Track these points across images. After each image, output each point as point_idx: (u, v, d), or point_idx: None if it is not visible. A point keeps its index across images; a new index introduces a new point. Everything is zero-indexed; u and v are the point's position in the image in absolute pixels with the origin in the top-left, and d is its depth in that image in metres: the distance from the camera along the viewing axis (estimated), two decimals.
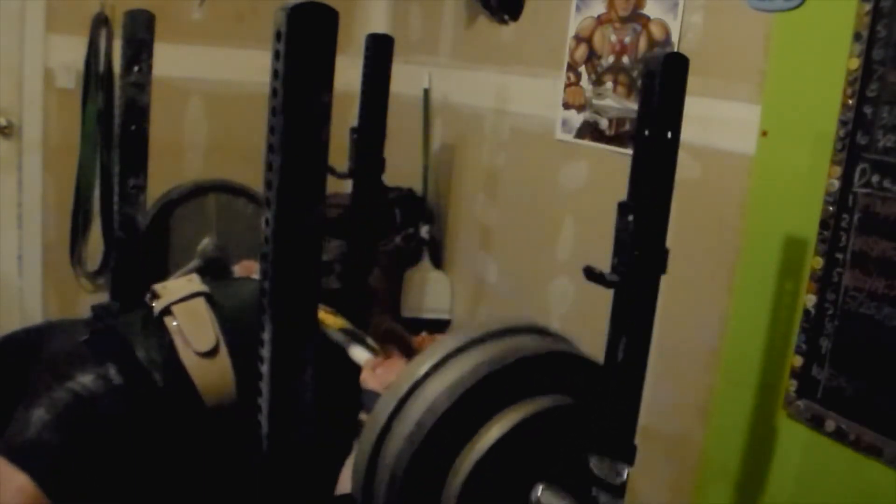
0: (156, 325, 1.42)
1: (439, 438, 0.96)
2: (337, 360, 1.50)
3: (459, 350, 1.01)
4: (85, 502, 1.25)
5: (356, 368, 1.51)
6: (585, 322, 2.26)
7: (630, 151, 1.24)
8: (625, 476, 1.02)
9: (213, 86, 2.95)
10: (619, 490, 1.05)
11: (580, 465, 1.03)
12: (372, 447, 0.99)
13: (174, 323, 1.42)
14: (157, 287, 1.48)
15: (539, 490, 0.99)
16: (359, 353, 1.53)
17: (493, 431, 0.97)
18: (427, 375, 1.00)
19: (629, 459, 1.10)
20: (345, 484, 1.30)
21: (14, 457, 1.23)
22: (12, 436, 1.26)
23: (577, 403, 1.04)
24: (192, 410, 1.37)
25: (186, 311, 1.44)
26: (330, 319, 1.64)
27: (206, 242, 2.10)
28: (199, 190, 2.14)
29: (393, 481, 0.96)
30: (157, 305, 1.44)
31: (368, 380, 1.41)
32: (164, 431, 1.35)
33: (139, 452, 1.31)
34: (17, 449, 1.24)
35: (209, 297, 1.47)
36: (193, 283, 1.50)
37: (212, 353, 1.40)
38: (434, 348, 1.03)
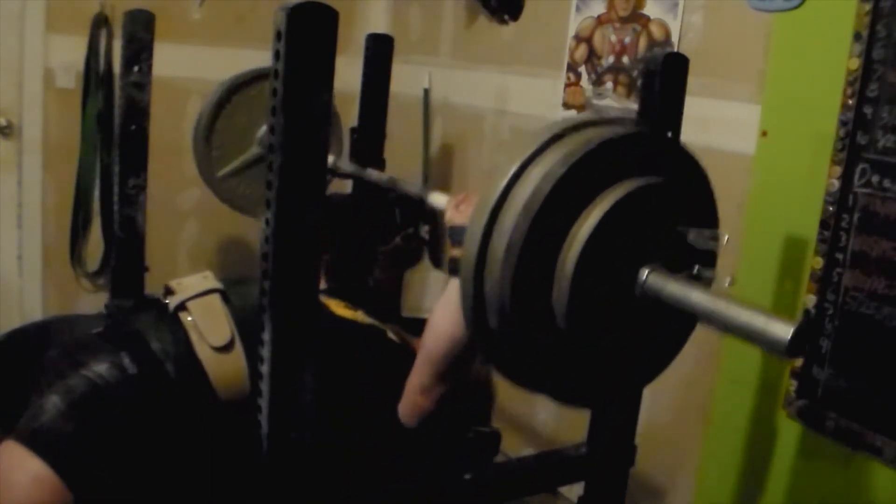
0: (171, 320, 1.43)
1: (535, 245, 0.93)
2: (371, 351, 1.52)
3: (537, 153, 0.98)
4: (100, 489, 1.26)
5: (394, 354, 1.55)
6: None
7: None
8: (724, 241, 1.02)
9: (213, 86, 2.94)
10: (714, 258, 1.05)
11: (680, 242, 1.01)
12: (473, 276, 0.96)
13: (189, 318, 1.43)
14: (172, 283, 1.49)
15: (645, 273, 0.98)
16: (438, 198, 1.58)
17: (588, 222, 0.94)
18: (513, 182, 0.96)
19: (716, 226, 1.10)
20: (443, 321, 1.32)
21: (29, 442, 1.23)
22: (27, 422, 1.27)
23: (669, 181, 1.02)
24: (205, 403, 1.38)
25: (202, 307, 1.45)
26: (349, 313, 1.64)
27: (263, 131, 2.07)
28: (259, 76, 2.12)
29: (503, 302, 0.94)
30: (172, 301, 1.45)
31: (454, 217, 1.46)
32: (178, 423, 1.35)
33: (152, 442, 1.32)
34: (32, 435, 1.25)
35: (224, 294, 1.48)
36: (208, 279, 1.52)
37: (227, 348, 1.41)
38: (522, 146, 1.00)
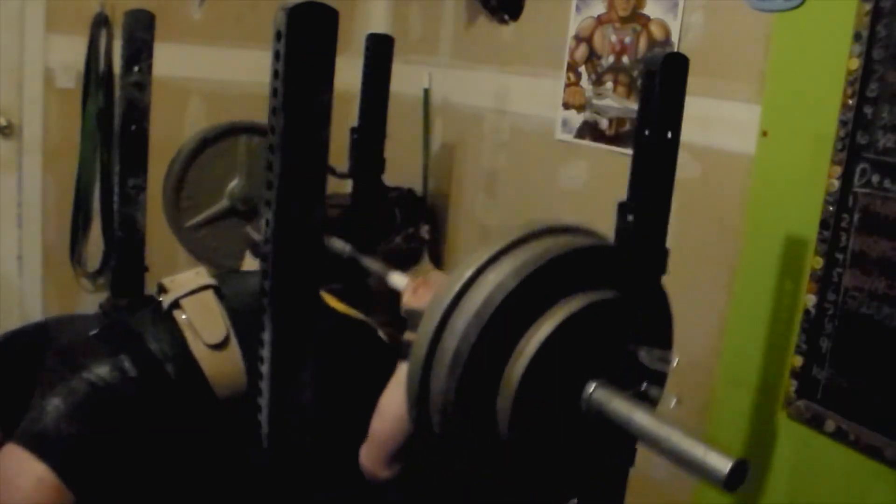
0: (165, 319, 1.43)
1: (486, 348, 0.94)
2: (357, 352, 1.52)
3: (496, 257, 1.00)
4: (101, 492, 1.26)
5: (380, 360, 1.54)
6: None
7: (630, 151, 1.24)
8: (674, 363, 1.02)
9: (213, 86, 2.95)
10: (663, 379, 1.04)
11: (629, 359, 1.02)
12: (422, 366, 0.97)
13: (183, 316, 1.42)
14: (165, 281, 1.49)
15: (591, 387, 0.98)
16: (398, 279, 1.56)
17: (540, 334, 0.95)
18: (468, 285, 0.98)
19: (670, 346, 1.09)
20: (390, 406, 1.32)
21: (31, 445, 1.24)
22: (29, 425, 1.27)
23: (619, 297, 1.03)
24: (204, 402, 1.38)
25: (195, 304, 1.44)
26: (339, 306, 1.64)
27: (234, 184, 2.10)
28: (233, 130, 2.13)
29: (447, 397, 0.95)
30: (166, 299, 1.44)
31: (411, 301, 1.44)
32: (179, 423, 1.35)
33: (153, 443, 1.32)
34: (34, 438, 1.25)
35: (217, 290, 1.48)
36: (201, 276, 1.51)
37: (222, 346, 1.40)
38: (470, 260, 1.01)
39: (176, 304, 1.44)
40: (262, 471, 1.08)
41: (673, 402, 1.00)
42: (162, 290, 1.47)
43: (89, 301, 2.84)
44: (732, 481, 0.84)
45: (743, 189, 1.83)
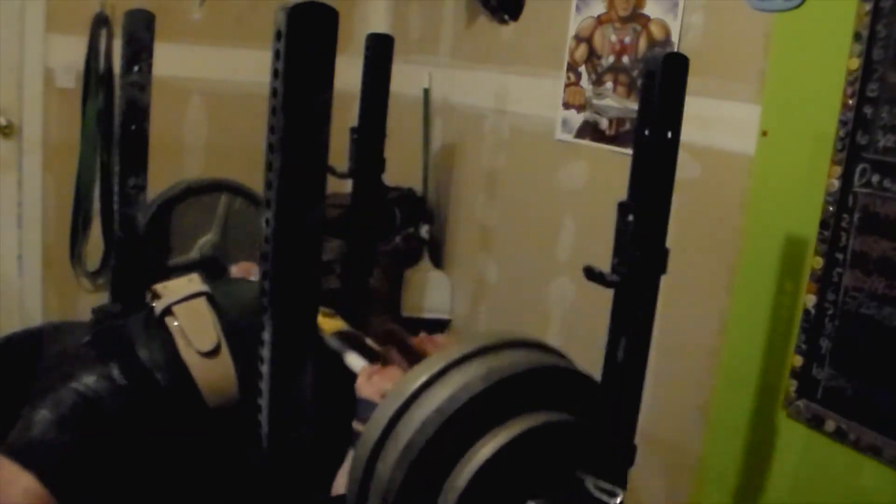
0: (157, 326, 1.42)
1: (433, 454, 0.95)
2: (334, 364, 1.50)
3: (454, 364, 1.01)
4: (89, 501, 1.25)
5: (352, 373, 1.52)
6: (585, 322, 2.26)
7: (630, 151, 1.24)
8: (618, 500, 1.01)
9: (213, 86, 2.95)
10: None
11: (575, 484, 1.02)
12: (366, 462, 0.98)
13: (175, 323, 1.42)
14: (158, 287, 1.48)
15: None
16: (354, 361, 1.51)
17: (488, 447, 0.96)
18: (422, 389, 0.99)
19: (623, 484, 1.10)
20: (339, 489, 1.30)
21: (19, 456, 1.23)
22: (17, 436, 1.26)
23: (574, 421, 1.04)
24: (194, 410, 1.37)
25: (187, 311, 1.43)
26: (328, 323, 1.63)
27: (205, 239, 2.10)
28: (218, 186, 2.14)
29: (387, 496, 0.96)
30: (158, 306, 1.44)
31: (364, 388, 1.40)
32: (168, 431, 1.35)
33: (143, 452, 1.32)
34: (22, 449, 1.24)
35: (210, 297, 1.47)
36: (194, 282, 1.50)
37: (213, 353, 1.39)
38: (429, 362, 1.02)
39: (168, 311, 1.43)
40: (254, 477, 1.08)
41: None
42: (154, 295, 1.47)
43: (89, 301, 2.84)
44: None
45: (743, 189, 1.83)
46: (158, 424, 1.34)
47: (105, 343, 1.41)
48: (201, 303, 1.45)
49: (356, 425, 1.32)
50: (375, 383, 1.39)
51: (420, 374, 1.01)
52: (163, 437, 1.34)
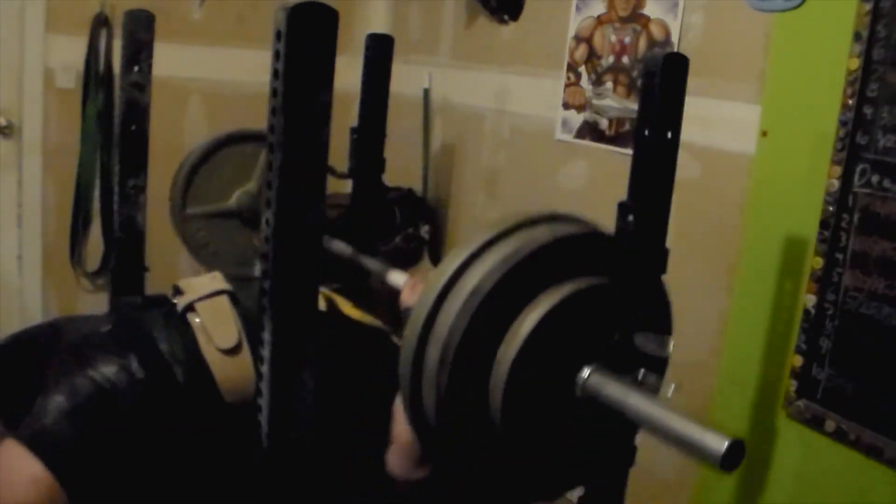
0: (179, 321, 1.43)
1: (483, 323, 0.94)
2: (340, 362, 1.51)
3: (492, 241, 0.99)
4: (99, 494, 1.25)
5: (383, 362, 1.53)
6: None
7: (630, 151, 1.24)
8: (670, 348, 1.01)
9: (213, 86, 2.95)
10: (663, 365, 1.03)
11: (624, 344, 1.01)
12: (416, 343, 0.97)
13: (197, 320, 1.42)
14: (182, 283, 1.49)
15: (586, 372, 0.97)
16: (396, 277, 1.56)
17: (537, 311, 0.94)
18: (466, 264, 0.97)
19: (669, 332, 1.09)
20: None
21: (30, 443, 1.23)
22: (30, 422, 1.26)
23: (620, 284, 1.03)
24: (211, 407, 1.37)
25: (210, 309, 1.44)
26: (349, 309, 1.64)
27: (244, 189, 2.12)
28: (263, 137, 2.16)
29: (441, 371, 0.94)
30: (181, 302, 1.44)
31: (409, 298, 1.43)
32: (183, 427, 1.35)
33: (156, 446, 1.32)
34: (33, 436, 1.24)
35: (232, 296, 1.48)
36: (217, 280, 1.51)
37: (234, 351, 1.40)
38: (468, 241, 1.00)
39: (190, 307, 1.44)
40: (267, 474, 1.08)
41: (672, 389, 0.99)
42: (178, 291, 1.47)
43: (89, 301, 2.84)
44: (729, 461, 0.84)
45: (743, 189, 1.83)
46: (173, 420, 1.34)
47: (125, 334, 1.41)
48: (224, 300, 1.46)
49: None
50: (419, 292, 1.41)
51: (452, 262, 0.98)
52: (177, 432, 1.34)
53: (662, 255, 1.23)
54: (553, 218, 1.06)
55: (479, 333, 0.93)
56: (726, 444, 0.83)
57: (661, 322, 1.11)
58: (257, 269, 1.97)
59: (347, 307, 1.62)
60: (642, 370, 1.00)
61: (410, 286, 1.46)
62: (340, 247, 1.99)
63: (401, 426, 1.35)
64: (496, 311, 0.94)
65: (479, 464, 1.00)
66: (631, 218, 1.19)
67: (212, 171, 2.11)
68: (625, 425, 0.99)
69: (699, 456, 0.85)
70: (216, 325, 1.42)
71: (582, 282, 0.98)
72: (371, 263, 1.78)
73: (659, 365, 1.04)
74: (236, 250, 2.14)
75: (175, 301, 1.45)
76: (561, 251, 0.98)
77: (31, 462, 1.21)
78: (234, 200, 2.11)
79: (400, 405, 1.35)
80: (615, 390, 0.96)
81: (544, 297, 0.96)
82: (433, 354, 0.95)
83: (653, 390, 1.01)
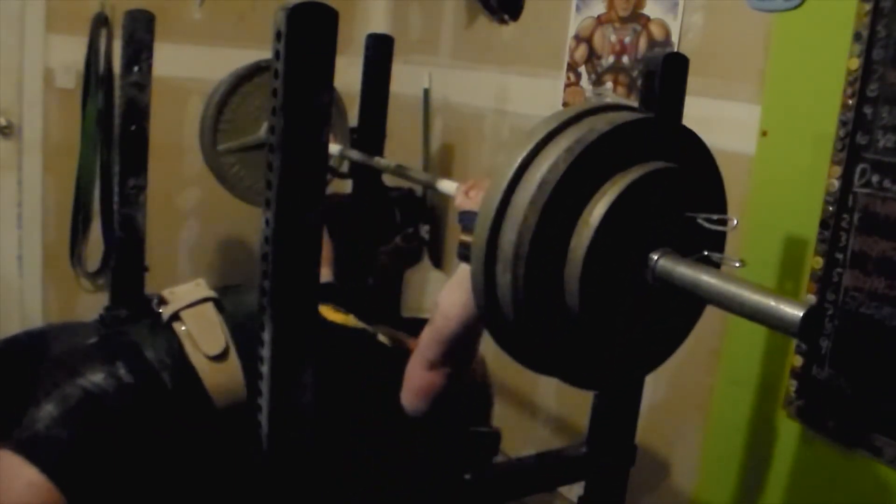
0: (164, 330, 1.43)
1: (554, 211, 0.94)
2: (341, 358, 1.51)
3: (553, 133, 0.99)
4: (94, 497, 1.25)
5: (383, 357, 1.55)
6: None
7: None
8: (734, 224, 1.02)
9: (213, 86, 2.94)
10: (722, 242, 1.07)
11: (687, 226, 1.02)
12: (488, 234, 0.97)
13: (183, 328, 1.42)
14: (165, 293, 1.49)
15: (656, 256, 0.98)
16: (447, 185, 1.57)
17: (604, 200, 0.95)
18: (531, 157, 0.97)
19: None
20: (447, 304, 1.35)
21: (24, 451, 1.23)
22: (22, 431, 1.26)
23: (678, 167, 1.03)
24: (201, 412, 1.37)
25: (195, 316, 1.44)
26: (332, 314, 1.64)
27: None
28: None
29: (516, 262, 0.95)
30: (166, 311, 1.44)
31: (464, 203, 1.44)
32: (174, 432, 1.35)
33: (148, 450, 1.32)
34: (27, 443, 1.24)
35: (217, 303, 1.48)
36: (201, 288, 1.51)
37: (221, 357, 1.40)
38: (530, 133, 1.00)
39: (176, 316, 1.44)
40: (259, 477, 1.08)
41: (737, 264, 1.00)
42: (162, 301, 1.47)
43: (89, 301, 2.84)
44: (806, 329, 0.84)
45: (743, 189, 1.83)
46: (165, 424, 1.34)
47: (111, 344, 1.42)
48: (209, 308, 1.46)
49: (463, 237, 1.33)
50: (473, 197, 1.42)
51: (515, 157, 0.98)
52: (169, 436, 1.34)
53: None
54: (611, 107, 1.06)
55: (550, 226, 0.94)
56: (802, 312, 0.84)
57: (716, 200, 1.11)
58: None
59: (330, 313, 1.62)
60: (706, 250, 1.02)
61: (464, 191, 1.47)
62: (354, 154, 2.00)
63: (442, 320, 1.37)
64: (565, 203, 0.95)
65: (554, 348, 1.02)
66: None
67: (239, 105, 2.11)
68: (697, 302, 1.03)
69: (777, 326, 0.86)
70: (202, 333, 1.42)
71: (643, 167, 0.98)
72: (417, 174, 1.76)
73: (720, 243, 1.06)
74: None
75: (160, 311, 1.45)
76: (621, 139, 0.98)
77: (26, 469, 1.21)
78: (263, 131, 2.10)
79: (445, 302, 1.36)
80: (687, 272, 0.97)
81: (609, 185, 0.96)
82: (506, 249, 0.96)
83: (718, 266, 1.02)
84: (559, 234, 0.95)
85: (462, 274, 1.30)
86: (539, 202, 0.93)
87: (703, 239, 1.03)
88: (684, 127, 1.10)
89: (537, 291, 0.96)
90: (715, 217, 1.03)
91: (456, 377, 1.41)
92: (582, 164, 0.94)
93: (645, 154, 1.00)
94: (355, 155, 2.02)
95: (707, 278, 0.95)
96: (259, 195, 2.06)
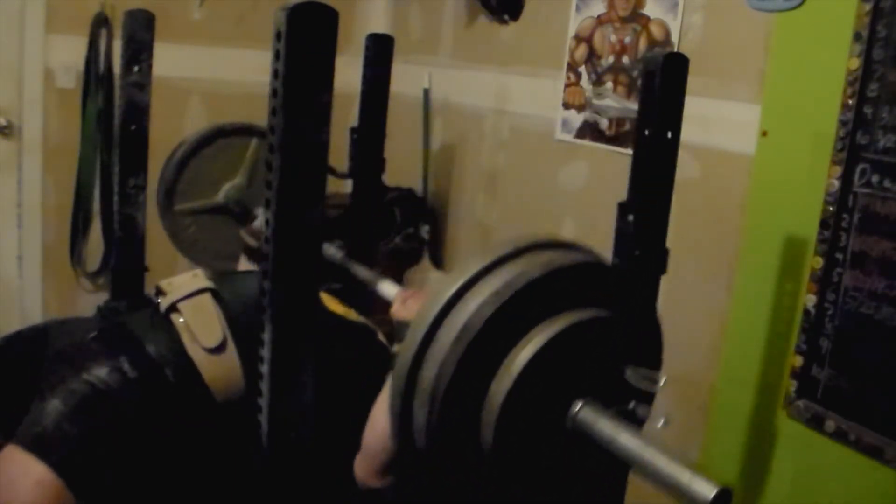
0: (163, 322, 1.43)
1: (476, 354, 0.94)
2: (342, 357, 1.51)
3: (489, 268, 0.98)
4: (102, 492, 1.25)
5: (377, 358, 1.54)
6: None
7: (630, 151, 1.24)
8: (661, 384, 1.01)
9: (213, 86, 2.95)
10: (651, 398, 1.04)
11: (615, 378, 1.01)
12: (409, 367, 0.97)
13: (181, 320, 1.42)
14: (163, 283, 1.48)
15: (577, 406, 0.97)
16: (387, 288, 1.54)
17: (529, 348, 0.95)
18: (460, 293, 0.97)
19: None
20: (376, 417, 1.31)
21: (32, 447, 1.23)
22: (28, 427, 1.26)
23: (611, 316, 1.02)
24: (203, 405, 1.37)
25: (193, 308, 1.44)
26: (335, 305, 1.64)
27: (232, 184, 2.11)
28: (249, 130, 2.15)
29: (433, 399, 0.94)
30: (163, 302, 1.44)
31: (400, 311, 1.43)
32: (180, 425, 1.35)
33: (153, 445, 1.32)
34: (34, 439, 1.24)
35: (215, 293, 1.47)
36: (199, 278, 1.50)
37: (220, 349, 1.40)
38: (463, 268, 0.99)
39: (173, 308, 1.43)
40: (261, 472, 1.08)
41: (661, 423, 0.99)
42: (159, 292, 1.47)
43: (89, 301, 2.84)
44: None
45: (743, 189, 1.83)
46: (169, 417, 1.34)
47: (113, 338, 1.42)
48: (206, 299, 1.46)
49: (396, 348, 1.32)
50: (410, 306, 1.41)
51: (449, 288, 0.97)
52: (173, 429, 1.34)
53: (662, 255, 1.23)
54: (550, 245, 1.05)
55: (470, 369, 0.94)
56: (714, 491, 0.83)
57: (652, 356, 1.11)
58: (241, 264, 1.97)
59: (333, 303, 1.62)
60: (633, 401, 1.00)
61: (402, 300, 1.45)
62: (331, 251, 1.98)
63: (371, 434, 1.35)
64: (488, 347, 0.95)
65: (466, 489, 1.01)
66: (631, 218, 1.19)
67: (198, 167, 2.10)
68: (614, 458, 0.99)
69: (687, 502, 0.85)
70: (200, 325, 1.41)
71: (574, 315, 0.98)
72: (362, 272, 1.74)
73: (649, 398, 1.04)
74: (226, 246, 2.13)
75: (158, 302, 1.45)
76: (553, 284, 0.98)
77: (35, 465, 1.21)
78: (221, 195, 2.10)
79: (375, 413, 1.35)
80: (605, 427, 0.96)
81: (537, 331, 0.96)
82: (425, 385, 0.95)
83: (642, 422, 1.00)
84: (479, 377, 0.95)
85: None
86: (461, 345, 0.93)
87: (633, 391, 1.01)
88: (626, 274, 1.11)
89: (452, 431, 0.95)
90: (644, 372, 1.01)
91: (394, 487, 1.36)
92: (508, 310, 0.94)
93: (579, 300, 0.99)
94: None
95: (624, 439, 0.94)
96: (211, 257, 2.07)
